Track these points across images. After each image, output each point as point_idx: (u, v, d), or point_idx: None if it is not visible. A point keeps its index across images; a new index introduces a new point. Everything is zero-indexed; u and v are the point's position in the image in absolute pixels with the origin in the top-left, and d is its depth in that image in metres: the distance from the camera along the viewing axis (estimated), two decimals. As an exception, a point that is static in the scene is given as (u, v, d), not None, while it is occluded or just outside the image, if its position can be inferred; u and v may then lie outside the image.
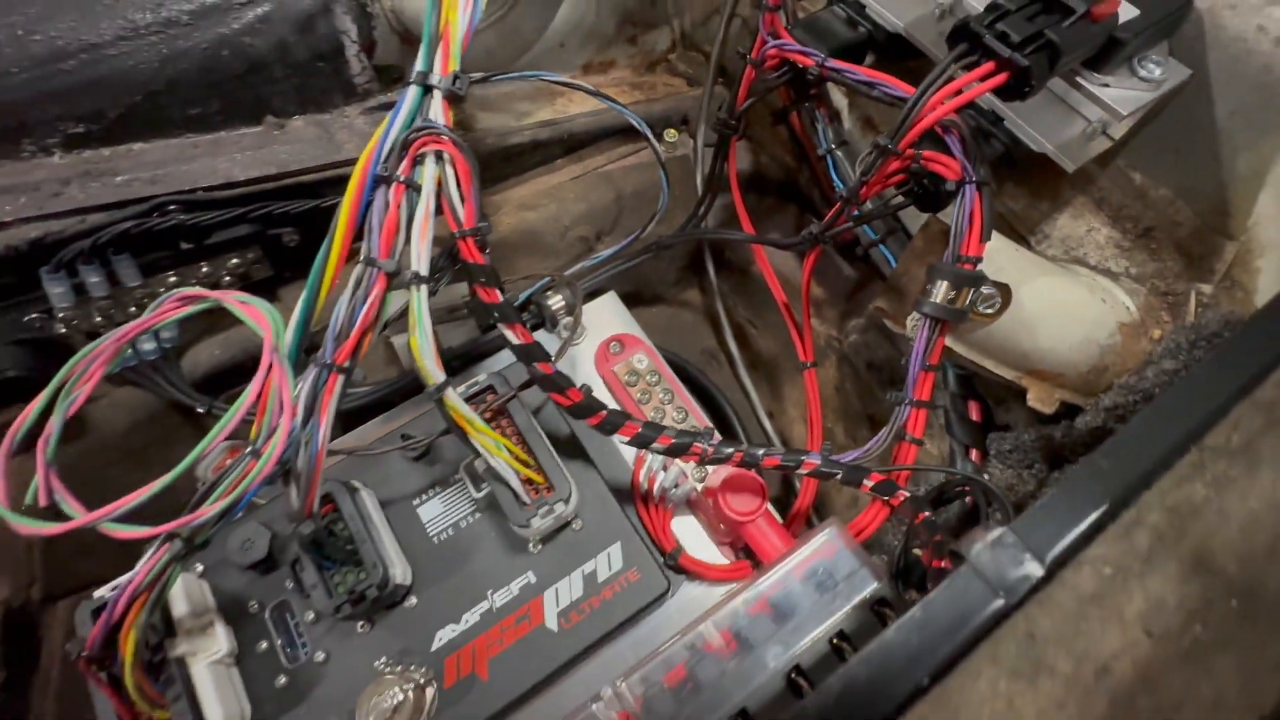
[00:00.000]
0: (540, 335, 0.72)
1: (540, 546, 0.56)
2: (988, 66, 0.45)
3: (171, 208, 0.55)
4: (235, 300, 0.45)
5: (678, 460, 0.66)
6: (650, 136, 0.64)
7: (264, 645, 0.52)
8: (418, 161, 0.47)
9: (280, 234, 0.64)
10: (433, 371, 0.46)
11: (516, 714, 0.51)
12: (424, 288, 0.46)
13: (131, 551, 0.67)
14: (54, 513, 0.42)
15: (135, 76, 0.54)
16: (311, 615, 0.53)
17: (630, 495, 0.61)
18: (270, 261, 0.65)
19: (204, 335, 0.67)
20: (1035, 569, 0.28)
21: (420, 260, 0.46)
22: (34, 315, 0.54)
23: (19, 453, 0.42)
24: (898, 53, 0.64)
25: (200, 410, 0.64)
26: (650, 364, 0.73)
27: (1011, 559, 0.29)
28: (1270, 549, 0.29)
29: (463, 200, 0.48)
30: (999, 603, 0.28)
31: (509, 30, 0.71)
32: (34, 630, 0.58)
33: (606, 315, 0.73)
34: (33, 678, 0.57)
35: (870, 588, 0.40)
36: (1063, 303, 0.55)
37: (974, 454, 0.68)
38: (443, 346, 0.50)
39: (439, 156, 0.47)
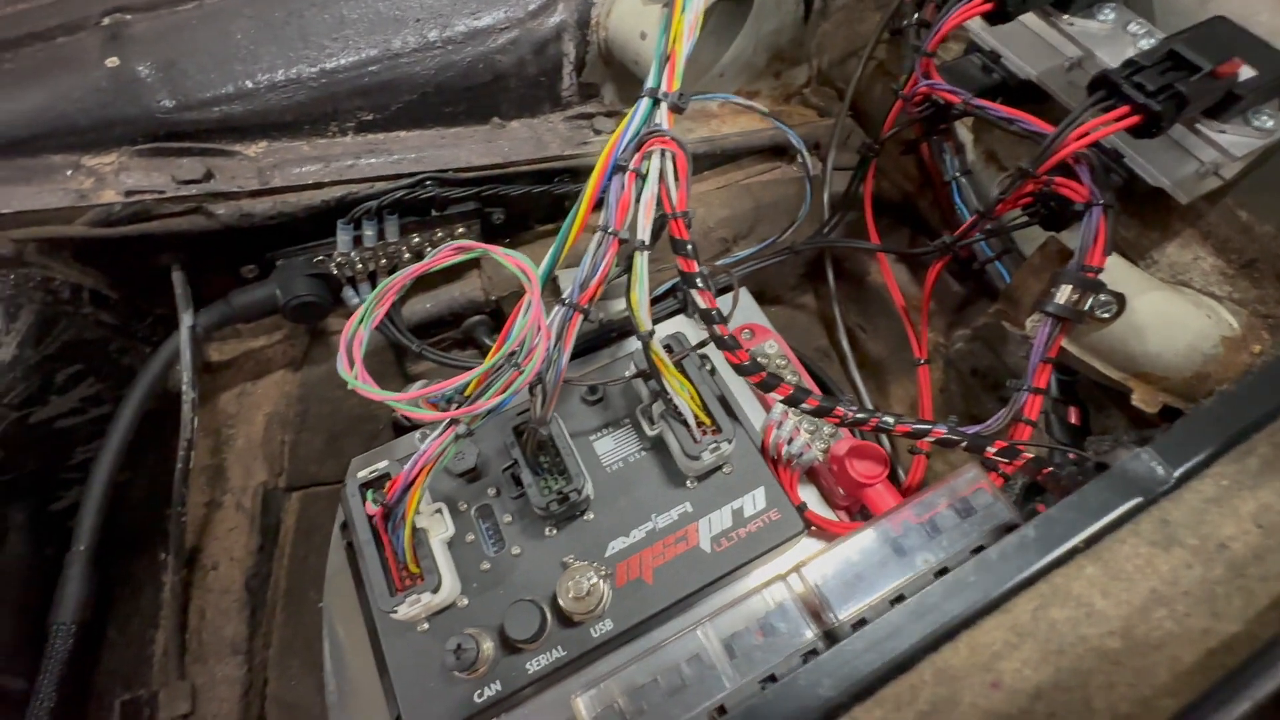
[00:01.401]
0: (679, 320, 0.84)
1: (696, 483, 0.67)
2: (1123, 110, 0.55)
3: (428, 183, 0.70)
4: (501, 252, 0.58)
5: (803, 431, 0.76)
6: (805, 155, 0.75)
7: (470, 537, 0.64)
8: (646, 156, 0.60)
9: (491, 212, 0.78)
10: (645, 320, 0.58)
11: (678, 615, 0.61)
12: (645, 253, 0.58)
13: (342, 462, 0.81)
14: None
15: (417, 80, 0.69)
16: (509, 517, 0.65)
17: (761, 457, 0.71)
18: (481, 233, 0.79)
19: (418, 291, 0.81)
20: (1168, 475, 0.38)
21: (644, 231, 0.58)
22: (320, 257, 0.69)
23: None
24: (1025, 96, 0.74)
25: (415, 350, 0.78)
26: (779, 350, 0.84)
27: (1148, 469, 0.38)
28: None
29: (677, 189, 0.60)
30: (1138, 498, 0.37)
31: (691, 59, 0.85)
32: (278, 512, 0.72)
33: (739, 307, 0.85)
34: (274, 548, 0.71)
35: (1006, 516, 0.49)
36: (1171, 313, 0.63)
37: (1071, 456, 0.76)
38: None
39: (663, 153, 0.60)
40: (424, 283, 0.81)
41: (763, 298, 1.01)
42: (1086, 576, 0.35)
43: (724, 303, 0.89)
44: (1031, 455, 0.57)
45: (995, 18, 0.63)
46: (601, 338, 0.80)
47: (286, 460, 0.73)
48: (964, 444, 0.61)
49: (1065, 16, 0.67)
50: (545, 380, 0.55)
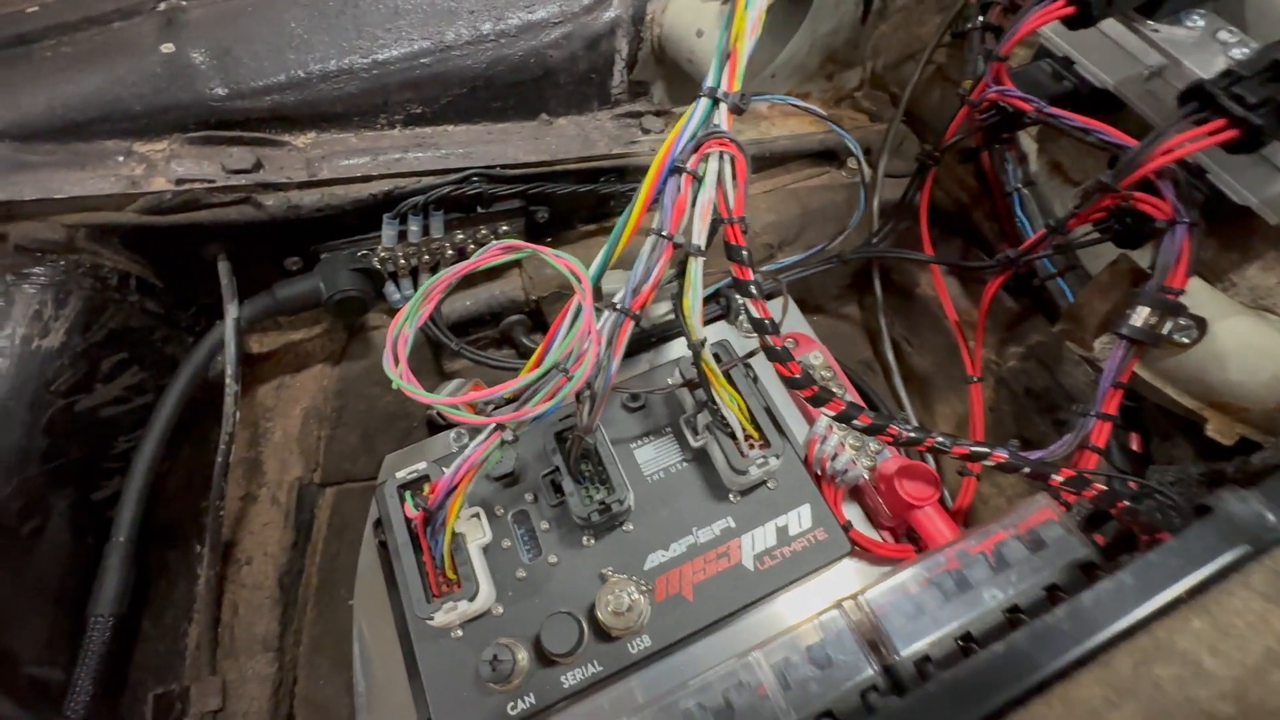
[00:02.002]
0: (721, 326, 0.82)
1: (739, 498, 0.65)
2: (1219, 123, 0.51)
3: (475, 179, 0.68)
4: (551, 253, 0.56)
5: (848, 447, 0.74)
6: (862, 161, 0.73)
7: (507, 543, 0.63)
8: (704, 158, 0.58)
9: (536, 210, 0.77)
10: (697, 328, 0.56)
11: (716, 633, 0.59)
12: (701, 259, 0.56)
13: (376, 458, 0.80)
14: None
15: (468, 73, 0.68)
16: (546, 525, 0.63)
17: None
18: (525, 232, 0.77)
19: (458, 288, 0.80)
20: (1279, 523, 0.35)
21: (700, 236, 0.56)
22: (363, 251, 0.68)
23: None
24: (1097, 105, 0.71)
25: (453, 348, 0.77)
26: (824, 361, 0.81)
27: (1256, 515, 0.35)
28: None
29: (735, 193, 0.58)
30: (1245, 546, 0.34)
31: (741, 59, 0.82)
32: (312, 507, 0.71)
33: (782, 315, 0.82)
34: (307, 544, 0.70)
35: (1081, 553, 0.46)
36: (1255, 341, 0.59)
37: (1132, 484, 0.72)
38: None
39: (721, 156, 0.58)
40: (464, 280, 0.80)
41: (804, 306, 0.99)
42: (1193, 631, 0.32)
43: (769, 309, 0.88)
44: (1103, 486, 0.53)
45: (1076, 22, 0.59)
46: (641, 342, 0.78)
47: (322, 456, 0.72)
48: (1027, 470, 0.58)
49: (1149, 22, 0.63)
50: (594, 387, 0.53)
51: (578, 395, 0.54)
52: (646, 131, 0.79)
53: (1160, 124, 0.55)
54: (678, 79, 0.81)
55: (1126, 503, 0.51)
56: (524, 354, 0.84)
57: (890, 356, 0.90)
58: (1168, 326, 0.57)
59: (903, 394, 0.88)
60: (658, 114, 0.81)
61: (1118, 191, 0.56)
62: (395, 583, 0.62)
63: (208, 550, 0.60)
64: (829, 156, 0.94)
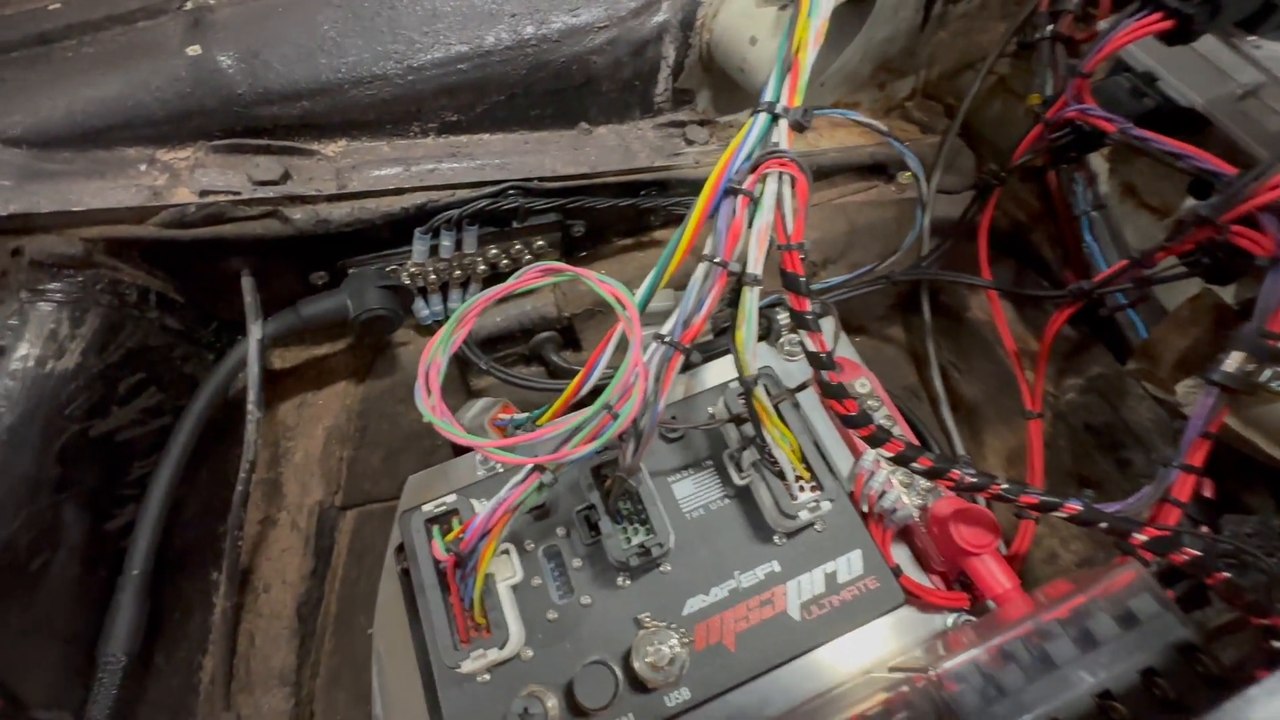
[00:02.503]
0: (760, 347, 0.77)
1: (785, 540, 0.61)
2: (1342, 155, 0.46)
3: (512, 192, 0.65)
4: (595, 278, 0.52)
5: (897, 483, 0.69)
6: (922, 180, 0.68)
7: (537, 580, 0.59)
8: (762, 179, 0.53)
9: (572, 224, 0.73)
10: (750, 364, 0.52)
11: (758, 686, 0.55)
12: (757, 288, 0.52)
13: (398, 479, 0.77)
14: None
15: (506, 80, 0.64)
16: (578, 562, 0.60)
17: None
18: (560, 247, 0.74)
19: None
20: None
21: (757, 264, 0.52)
22: (392, 266, 0.65)
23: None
24: (1178, 125, 0.65)
25: (482, 367, 0.73)
26: (871, 389, 0.77)
27: None
28: None
29: (794, 218, 0.53)
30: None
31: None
32: (332, 531, 0.68)
33: (834, 342, 0.78)
34: (326, 570, 0.67)
35: (1180, 633, 0.42)
36: (1363, 393, 0.54)
37: (1205, 532, 0.67)
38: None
39: (781, 177, 0.53)
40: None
41: (846, 327, 0.94)
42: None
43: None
44: (1198, 550, 0.49)
45: (1174, 38, 0.54)
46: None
47: (344, 478, 0.69)
48: (1105, 526, 0.53)
49: (1250, 38, 0.58)
50: (639, 425, 0.49)
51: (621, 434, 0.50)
52: (690, 142, 0.75)
53: (1254, 147, 0.50)
54: (724, 87, 0.76)
55: (1226, 575, 0.46)
56: (554, 372, 0.80)
57: (938, 384, 0.85)
58: (1265, 374, 0.52)
59: (951, 425, 0.83)
60: (701, 123, 0.77)
61: (1216, 225, 0.51)
62: (417, 613, 0.59)
63: (225, 580, 0.57)
64: (877, 170, 0.89)
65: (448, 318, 0.74)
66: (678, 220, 0.83)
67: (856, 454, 0.73)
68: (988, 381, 0.86)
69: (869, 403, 0.76)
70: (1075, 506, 0.54)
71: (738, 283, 0.53)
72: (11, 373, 0.45)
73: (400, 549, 0.67)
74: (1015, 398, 0.86)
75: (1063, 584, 0.52)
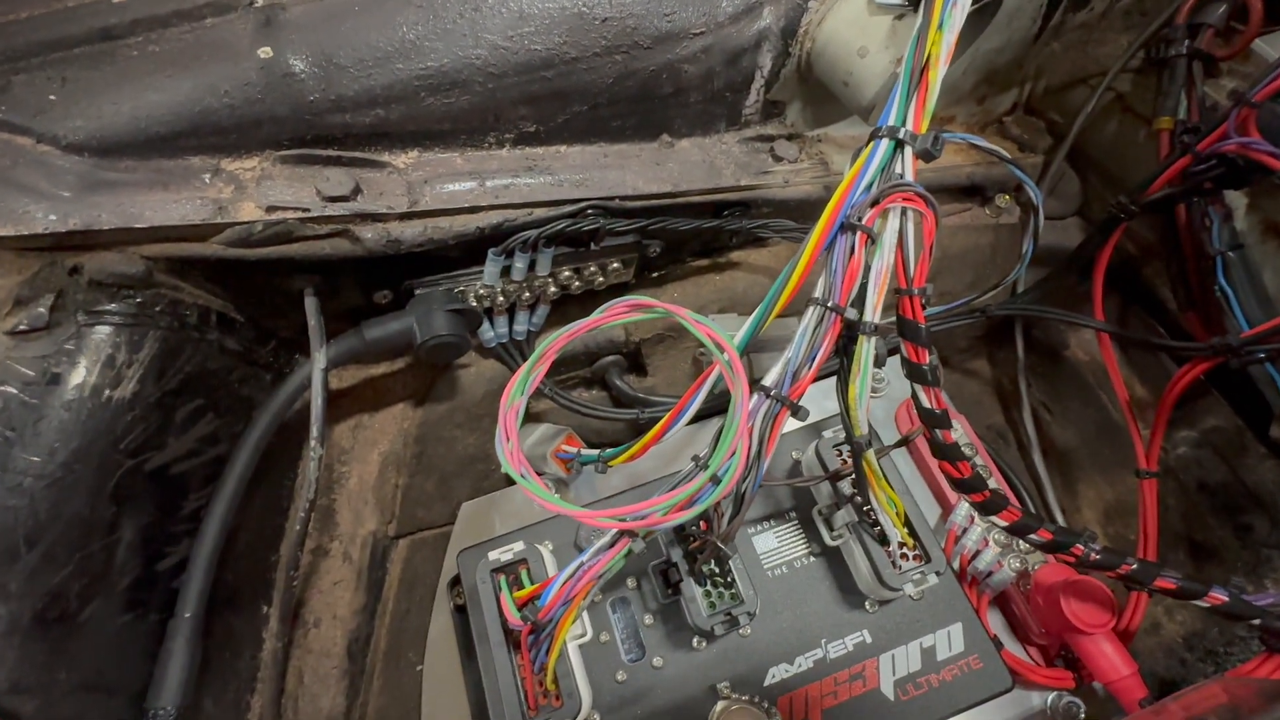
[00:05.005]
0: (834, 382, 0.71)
1: (877, 608, 0.55)
2: None
3: (591, 212, 0.60)
4: (691, 318, 0.47)
5: (993, 542, 0.63)
6: (1039, 208, 0.61)
7: (605, 637, 0.55)
8: (883, 214, 0.48)
9: (649, 245, 0.68)
10: (862, 422, 0.47)
11: (850, 775, 0.50)
12: (874, 338, 0.46)
13: (451, 504, 0.73)
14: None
15: (591, 89, 0.59)
16: (649, 619, 0.55)
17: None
18: (635, 268, 0.68)
19: (554, 322, 0.72)
20: None
21: (874, 311, 0.46)
22: (460, 287, 0.60)
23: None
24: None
25: (545, 392, 0.69)
26: (963, 434, 0.71)
27: None
28: None
29: (917, 260, 0.48)
30: None
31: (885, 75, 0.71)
32: (384, 562, 0.64)
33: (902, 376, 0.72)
34: (377, 605, 0.63)
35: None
36: None
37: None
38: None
39: (904, 213, 0.47)
40: (562, 315, 0.72)
41: (928, 359, 0.88)
42: None
43: (892, 367, 0.77)
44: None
45: (1373, 66, 0.47)
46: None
47: (398, 506, 0.65)
48: (1258, 622, 0.47)
49: None
50: (741, 490, 0.44)
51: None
52: (779, 160, 0.69)
53: None
54: (819, 100, 0.70)
55: None
56: (617, 399, 0.76)
57: (1029, 427, 0.79)
58: None
59: (1044, 475, 0.77)
60: (790, 138, 0.71)
61: None
62: (472, 651, 0.55)
63: (277, 620, 0.53)
64: (971, 192, 0.83)
65: (513, 340, 0.70)
66: (756, 241, 0.77)
67: (942, 502, 0.68)
68: (1084, 428, 0.79)
69: (964, 450, 0.70)
70: (1220, 596, 0.48)
71: (849, 329, 0.48)
72: (66, 403, 0.41)
73: (454, 582, 0.63)
74: (1116, 448, 0.79)
75: (1214, 691, 0.46)
